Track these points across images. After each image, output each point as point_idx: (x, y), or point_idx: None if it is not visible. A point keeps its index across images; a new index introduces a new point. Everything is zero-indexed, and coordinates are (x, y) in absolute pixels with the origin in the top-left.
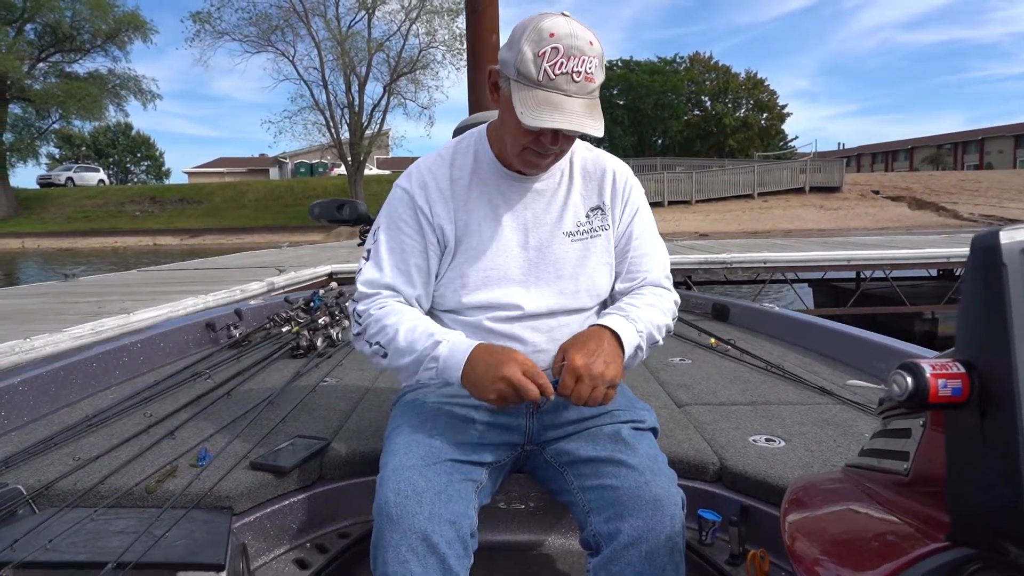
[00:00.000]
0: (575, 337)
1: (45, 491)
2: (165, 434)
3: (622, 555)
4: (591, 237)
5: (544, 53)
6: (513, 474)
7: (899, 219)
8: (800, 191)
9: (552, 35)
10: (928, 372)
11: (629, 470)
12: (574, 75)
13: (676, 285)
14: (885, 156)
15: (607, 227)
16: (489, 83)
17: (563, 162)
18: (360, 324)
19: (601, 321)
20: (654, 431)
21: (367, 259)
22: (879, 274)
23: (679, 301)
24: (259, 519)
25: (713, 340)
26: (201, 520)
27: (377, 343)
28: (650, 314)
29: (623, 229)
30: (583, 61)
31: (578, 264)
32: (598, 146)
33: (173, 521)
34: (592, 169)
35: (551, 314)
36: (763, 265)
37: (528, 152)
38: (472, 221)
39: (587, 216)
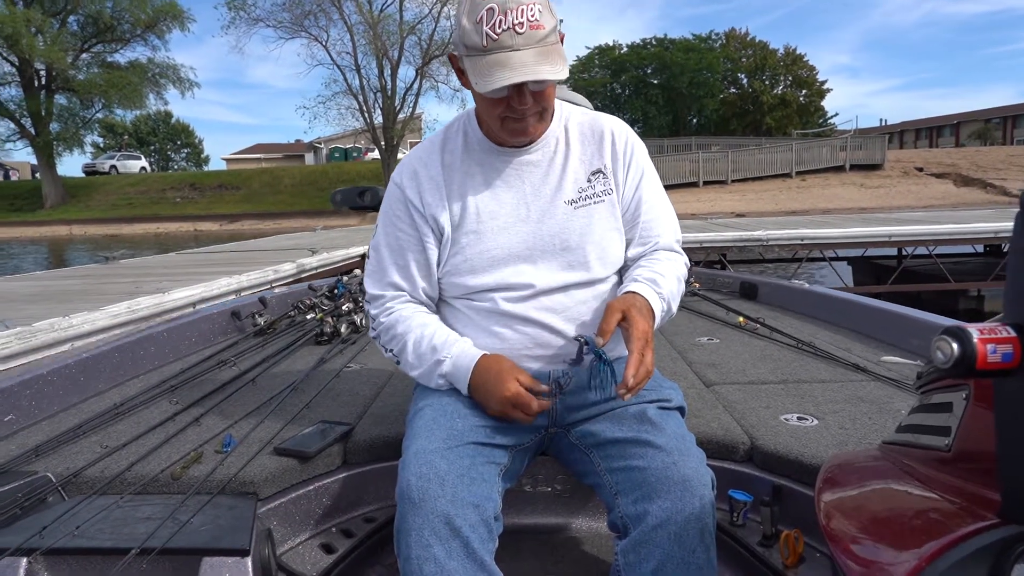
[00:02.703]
0: (629, 301)
1: (73, 479)
2: (191, 421)
3: (651, 537)
4: (595, 203)
5: (481, 18)
6: (539, 457)
7: (944, 196)
8: (840, 169)
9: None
10: (976, 337)
11: (656, 450)
12: (516, 28)
13: (710, 264)
14: (929, 132)
15: (610, 191)
16: (455, 70)
17: (557, 129)
18: (375, 330)
19: (643, 293)
20: (681, 410)
21: (369, 257)
22: (922, 251)
23: (689, 264)
24: (284, 504)
25: (741, 319)
26: (226, 506)
27: (391, 351)
28: (671, 285)
29: (630, 193)
30: (523, 11)
31: (584, 232)
32: (603, 109)
33: (198, 507)
34: (589, 132)
35: (564, 289)
36: (800, 242)
37: (507, 121)
38: (469, 203)
39: (588, 181)
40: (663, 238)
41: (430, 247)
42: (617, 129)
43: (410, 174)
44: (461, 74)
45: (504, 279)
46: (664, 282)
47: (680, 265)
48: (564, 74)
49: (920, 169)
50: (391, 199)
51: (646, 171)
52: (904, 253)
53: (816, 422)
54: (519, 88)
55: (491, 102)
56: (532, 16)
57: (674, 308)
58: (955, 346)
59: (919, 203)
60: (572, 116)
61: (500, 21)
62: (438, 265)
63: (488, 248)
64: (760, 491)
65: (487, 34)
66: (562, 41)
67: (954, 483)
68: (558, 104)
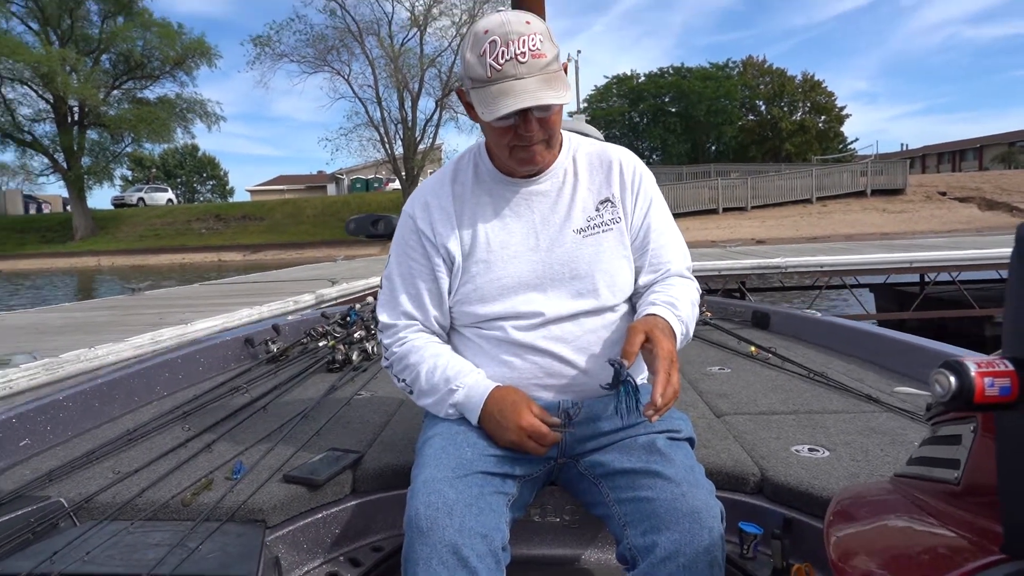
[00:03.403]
0: (651, 323)
1: (85, 504)
2: (202, 448)
3: (659, 569)
4: (603, 231)
5: (485, 51)
6: (547, 486)
7: (968, 221)
8: (861, 194)
9: (487, 32)
10: (973, 370)
11: (665, 482)
12: (519, 57)
13: (728, 292)
14: (952, 156)
15: (619, 219)
16: (463, 104)
17: (566, 160)
18: (387, 360)
19: (663, 315)
20: (691, 441)
21: (383, 287)
22: (945, 277)
23: (700, 290)
24: (292, 532)
25: (753, 348)
26: (235, 533)
27: (403, 380)
28: (687, 309)
29: (639, 222)
30: (524, 41)
31: (593, 260)
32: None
33: (207, 534)
34: (598, 162)
35: (573, 317)
36: (820, 269)
37: (516, 150)
38: (479, 233)
39: (597, 210)
40: (674, 265)
41: (441, 276)
42: (625, 159)
43: (422, 205)
44: (469, 108)
45: (514, 307)
46: (681, 305)
47: (693, 291)
48: (567, 99)
49: (943, 193)
50: (403, 229)
51: (654, 200)
52: (927, 279)
53: (828, 453)
54: (525, 116)
55: (499, 132)
56: (534, 46)
57: (691, 332)
58: (952, 379)
59: (943, 228)
60: (581, 147)
61: (503, 52)
62: (449, 294)
63: (498, 277)
64: (771, 523)
65: (491, 65)
66: (566, 70)
67: (964, 517)
68: (567, 136)
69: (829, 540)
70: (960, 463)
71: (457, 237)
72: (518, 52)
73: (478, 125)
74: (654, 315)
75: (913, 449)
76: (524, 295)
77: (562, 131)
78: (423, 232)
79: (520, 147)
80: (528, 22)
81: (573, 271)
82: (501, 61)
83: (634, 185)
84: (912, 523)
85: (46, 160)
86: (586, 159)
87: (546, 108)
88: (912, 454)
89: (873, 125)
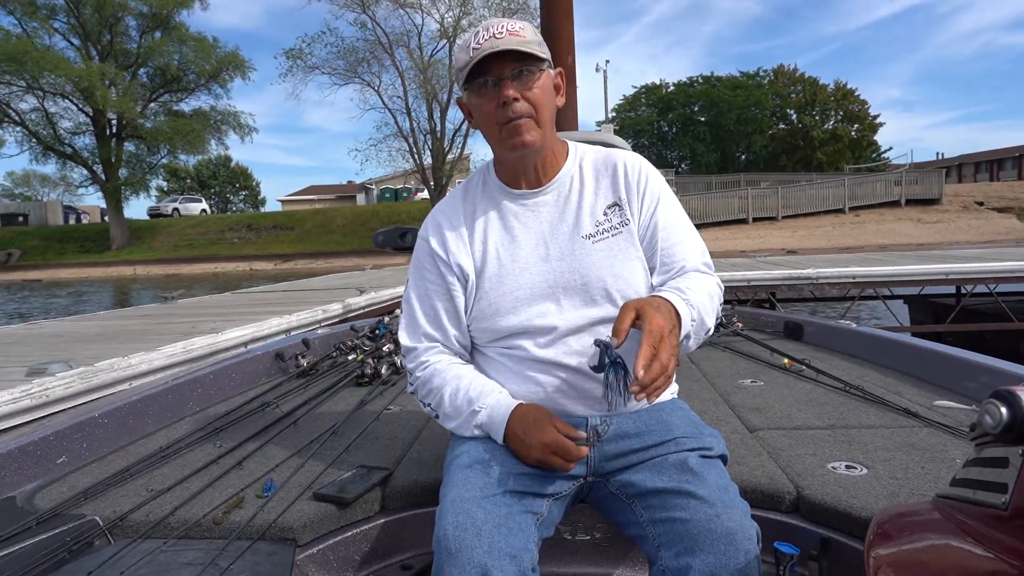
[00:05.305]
0: (644, 300)
1: (120, 522)
2: (233, 464)
3: None
4: (613, 235)
5: (469, 42)
6: (578, 503)
7: (1007, 231)
8: (895, 204)
9: (475, 32)
10: None
11: (699, 502)
12: (496, 34)
13: (759, 303)
14: (990, 165)
15: (627, 221)
16: (464, 113)
17: (572, 168)
18: (412, 384)
19: (664, 296)
20: (723, 458)
21: (403, 310)
22: (982, 289)
23: (722, 285)
24: (322, 551)
25: (786, 360)
26: (265, 552)
27: (429, 405)
28: (700, 298)
29: (646, 221)
30: (503, 26)
31: (604, 266)
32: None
33: (238, 553)
34: (603, 167)
35: (590, 327)
36: (852, 280)
37: (506, 128)
38: (490, 248)
39: (605, 214)
40: (689, 261)
41: (457, 295)
42: (630, 161)
43: (435, 227)
44: (470, 116)
45: (529, 320)
46: (692, 294)
47: (711, 283)
48: (535, 51)
49: (981, 203)
50: (418, 252)
51: (662, 198)
52: (963, 291)
53: (865, 471)
54: (501, 83)
55: (487, 113)
56: (513, 28)
57: (708, 322)
58: (1004, 411)
59: (980, 239)
60: (586, 155)
61: (482, 35)
62: (466, 312)
63: (511, 289)
64: (807, 543)
65: (472, 47)
66: (562, 78)
67: (1011, 543)
68: (572, 145)
69: (870, 563)
70: (1008, 487)
71: (469, 254)
72: (496, 32)
73: None
74: (654, 295)
75: (955, 467)
76: (538, 306)
77: (568, 141)
78: (436, 253)
79: (507, 118)
80: (511, 20)
81: (584, 278)
82: (481, 41)
83: (639, 185)
84: (957, 548)
85: (85, 172)
86: (592, 165)
87: (518, 70)
88: (956, 475)
89: (908, 134)
